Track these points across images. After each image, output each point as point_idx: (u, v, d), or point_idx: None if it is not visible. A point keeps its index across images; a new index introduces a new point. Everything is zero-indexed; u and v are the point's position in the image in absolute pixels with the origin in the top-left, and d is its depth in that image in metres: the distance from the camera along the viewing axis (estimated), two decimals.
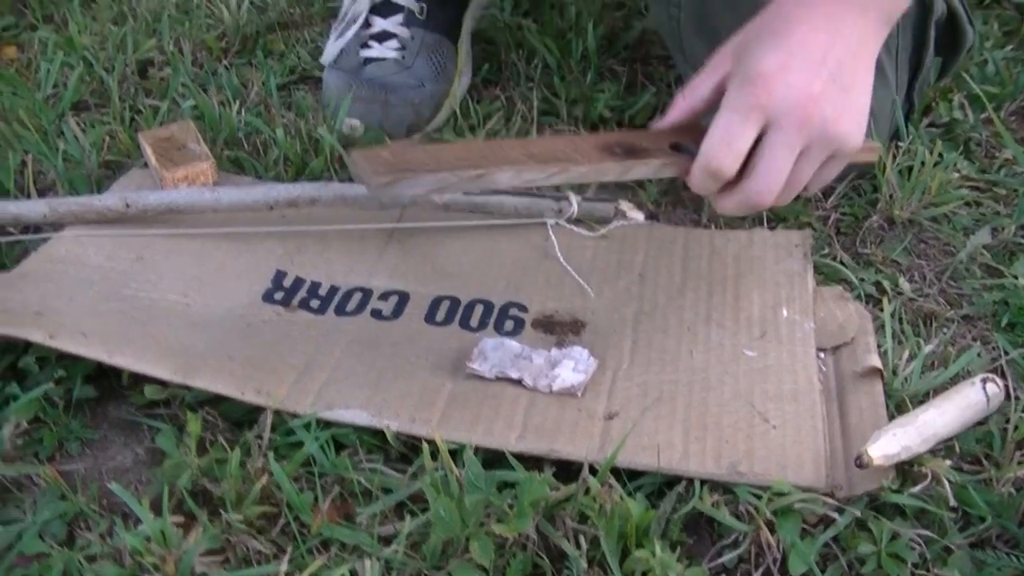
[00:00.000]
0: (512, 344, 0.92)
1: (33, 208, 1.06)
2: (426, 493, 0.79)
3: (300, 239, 1.06)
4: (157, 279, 1.00)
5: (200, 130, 1.20)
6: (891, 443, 0.80)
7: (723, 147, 0.85)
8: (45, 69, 1.36)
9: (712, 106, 0.89)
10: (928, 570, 0.78)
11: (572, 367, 0.90)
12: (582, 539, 0.77)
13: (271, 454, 0.84)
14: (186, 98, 1.29)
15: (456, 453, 0.82)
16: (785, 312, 0.98)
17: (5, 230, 1.08)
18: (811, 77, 0.85)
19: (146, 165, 1.15)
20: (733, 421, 0.86)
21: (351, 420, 0.86)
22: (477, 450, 0.83)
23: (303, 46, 1.44)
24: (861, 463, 0.80)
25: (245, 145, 1.20)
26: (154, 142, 1.14)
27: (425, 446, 0.82)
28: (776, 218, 1.12)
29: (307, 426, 0.85)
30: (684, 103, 0.92)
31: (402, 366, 0.91)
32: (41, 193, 1.16)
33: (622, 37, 1.40)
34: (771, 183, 0.86)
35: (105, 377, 0.93)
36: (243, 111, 1.25)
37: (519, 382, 0.89)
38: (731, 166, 0.85)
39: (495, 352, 0.91)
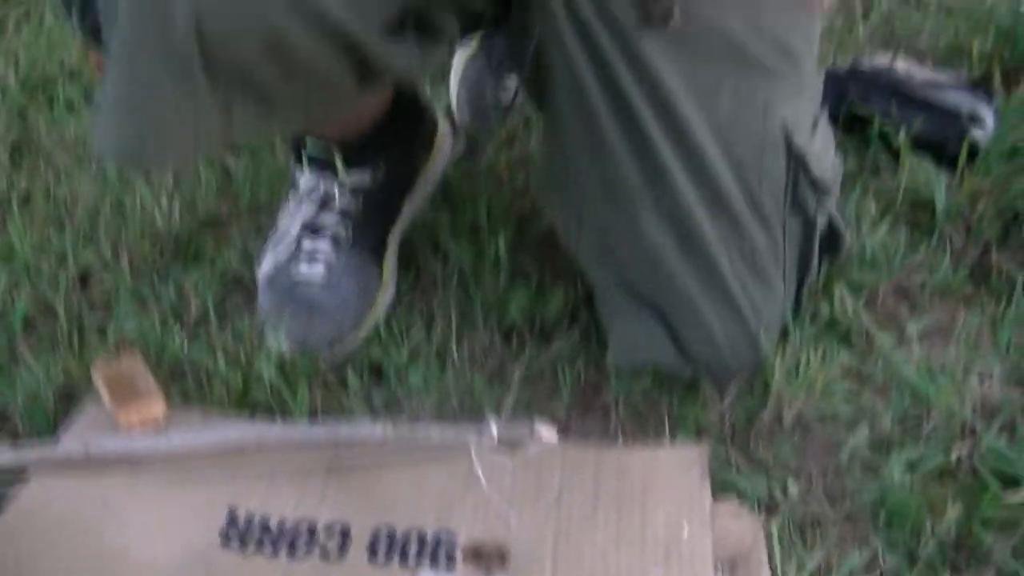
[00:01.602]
0: None
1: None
2: None
3: (248, 472, 1.17)
4: (122, 527, 1.10)
5: (144, 352, 1.31)
6: None
7: None
8: None
9: None
10: None
11: None
12: None
13: None
14: (129, 318, 1.39)
15: None
16: (686, 530, 1.10)
17: None
18: None
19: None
20: None
21: None
22: None
23: (233, 247, 1.54)
24: None
25: (189, 375, 1.31)
26: (106, 378, 1.24)
27: None
28: (679, 419, 1.25)
29: None
30: None
31: None
32: (1, 431, 1.26)
33: (532, 229, 1.52)
34: None
35: None
36: (184, 338, 1.35)
37: None
38: None
39: None
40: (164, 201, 1.62)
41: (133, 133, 1.07)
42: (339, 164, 1.39)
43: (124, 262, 1.51)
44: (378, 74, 1.14)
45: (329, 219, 1.40)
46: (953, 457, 1.20)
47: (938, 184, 1.57)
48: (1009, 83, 1.85)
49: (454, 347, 1.35)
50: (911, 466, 1.19)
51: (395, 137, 1.43)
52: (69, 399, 1.30)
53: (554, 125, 1.26)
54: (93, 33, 1.09)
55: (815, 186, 1.25)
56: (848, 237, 1.36)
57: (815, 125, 1.27)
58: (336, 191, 1.40)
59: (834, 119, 1.69)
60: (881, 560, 1.09)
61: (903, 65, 1.80)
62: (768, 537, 1.10)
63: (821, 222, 1.29)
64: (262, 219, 1.60)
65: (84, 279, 1.51)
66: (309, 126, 1.37)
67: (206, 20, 0.97)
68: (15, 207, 1.65)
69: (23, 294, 1.45)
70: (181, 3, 0.96)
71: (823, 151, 1.27)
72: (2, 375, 1.32)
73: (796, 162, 1.23)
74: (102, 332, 1.38)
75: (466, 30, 1.22)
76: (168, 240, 1.56)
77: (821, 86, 1.32)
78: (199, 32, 0.98)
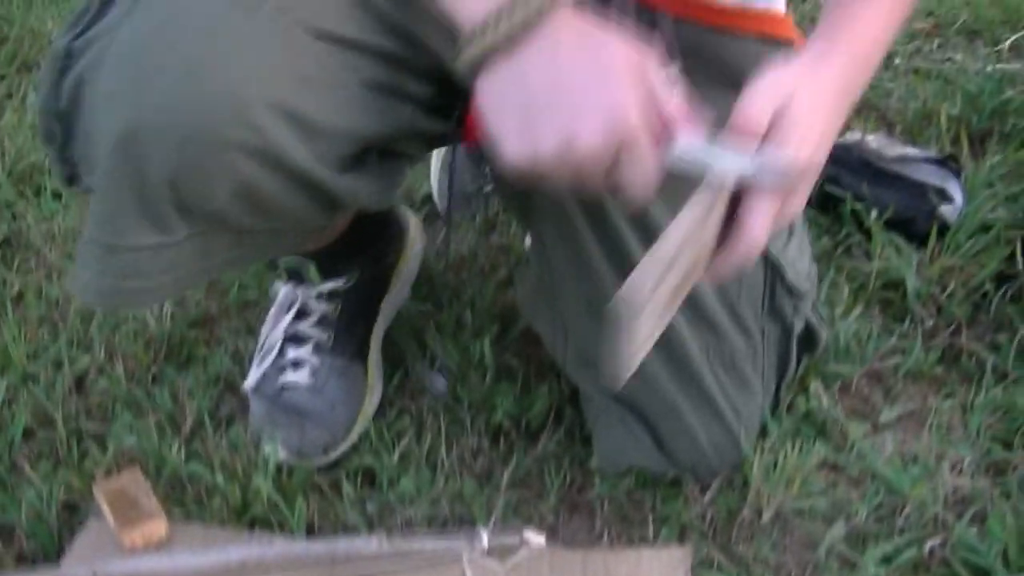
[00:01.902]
0: None
1: None
2: None
3: None
4: None
5: (143, 465, 1.34)
6: None
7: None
8: None
9: None
10: None
11: None
12: None
13: None
14: (127, 431, 1.42)
15: None
16: None
17: None
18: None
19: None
20: None
21: None
22: None
23: (224, 347, 1.58)
24: None
25: (189, 488, 1.34)
26: (108, 496, 1.28)
27: None
28: (662, 517, 1.29)
29: None
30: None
31: None
32: (6, 547, 1.30)
33: (515, 324, 1.56)
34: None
35: None
36: (181, 449, 1.39)
37: None
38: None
39: None
40: (155, 306, 1.65)
41: (111, 279, 1.10)
42: (313, 274, 1.43)
43: (119, 367, 1.55)
44: (347, 207, 1.18)
45: (309, 327, 1.45)
46: (926, 550, 1.24)
47: (909, 265, 1.62)
48: (976, 151, 1.90)
49: (443, 451, 1.39)
50: (886, 560, 1.24)
51: (365, 243, 1.48)
52: (71, 511, 1.34)
53: (540, 244, 1.30)
54: (71, 175, 1.12)
55: (791, 292, 1.30)
56: (824, 334, 1.41)
57: (791, 231, 1.32)
58: (313, 300, 1.45)
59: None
60: None
61: (873, 139, 1.85)
62: None
63: (798, 325, 1.33)
64: (250, 316, 1.64)
65: (80, 384, 1.55)
66: (284, 253, 1.41)
67: (179, 173, 1.01)
68: (8, 308, 1.68)
69: (21, 403, 1.48)
70: (156, 158, 1.00)
71: (798, 258, 1.32)
72: (4, 490, 1.36)
73: (773, 271, 1.28)
74: (101, 442, 1.42)
75: (431, 148, 1.26)
76: (160, 342, 1.60)
77: None
78: (173, 184, 1.02)
